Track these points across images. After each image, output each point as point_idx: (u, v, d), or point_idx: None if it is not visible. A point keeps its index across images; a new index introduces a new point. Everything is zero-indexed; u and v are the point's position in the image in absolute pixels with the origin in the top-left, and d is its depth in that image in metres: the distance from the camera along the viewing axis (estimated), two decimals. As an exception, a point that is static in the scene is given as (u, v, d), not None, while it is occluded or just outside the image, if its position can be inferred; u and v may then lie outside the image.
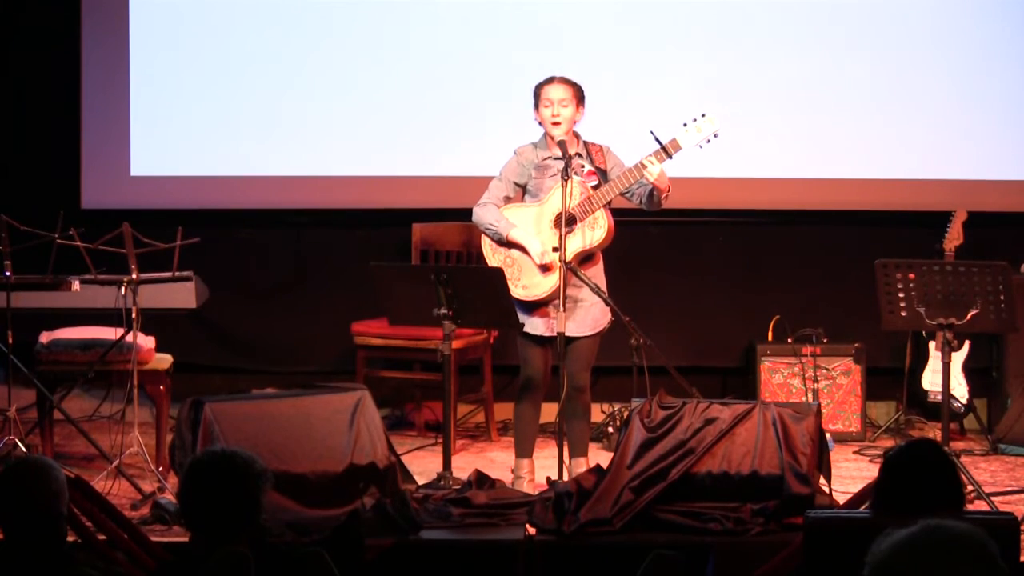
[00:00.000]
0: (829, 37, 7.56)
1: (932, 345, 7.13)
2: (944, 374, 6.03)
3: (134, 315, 6.10)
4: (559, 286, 5.87)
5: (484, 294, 5.90)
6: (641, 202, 6.09)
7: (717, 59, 7.55)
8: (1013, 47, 7.58)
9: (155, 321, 6.58)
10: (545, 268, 5.99)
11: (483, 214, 6.11)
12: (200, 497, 3.59)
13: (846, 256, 7.52)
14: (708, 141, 6.03)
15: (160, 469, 6.21)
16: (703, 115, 6.02)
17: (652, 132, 5.95)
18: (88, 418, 7.33)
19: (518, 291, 6.00)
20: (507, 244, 6.08)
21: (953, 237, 7.05)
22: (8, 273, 6.18)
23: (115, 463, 6.04)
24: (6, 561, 3.58)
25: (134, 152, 7.63)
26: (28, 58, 7.64)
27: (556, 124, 5.99)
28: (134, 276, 6.12)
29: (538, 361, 6.07)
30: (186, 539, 5.14)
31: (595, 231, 5.98)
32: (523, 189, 6.14)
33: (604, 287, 6.05)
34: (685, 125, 6.02)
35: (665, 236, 7.61)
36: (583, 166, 6.01)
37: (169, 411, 6.56)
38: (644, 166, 5.91)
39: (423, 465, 6.47)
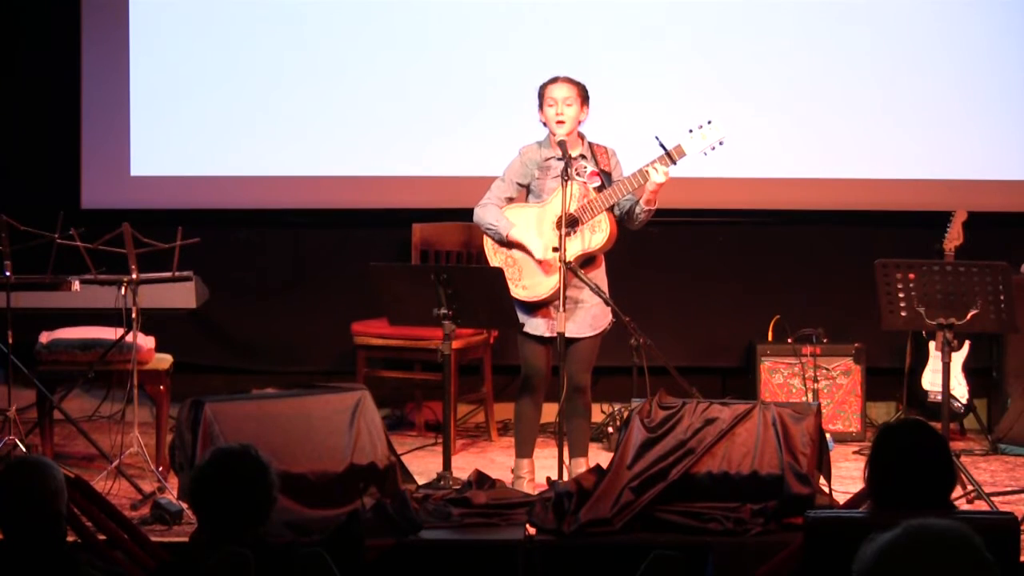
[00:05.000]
0: (829, 37, 7.56)
1: (932, 345, 7.13)
2: (944, 374, 6.03)
3: (134, 315, 6.10)
4: (559, 286, 5.86)
5: (484, 294, 5.90)
6: (623, 215, 6.06)
7: (717, 59, 7.55)
8: (1013, 47, 7.58)
9: (155, 321, 6.58)
10: (547, 266, 5.97)
11: (483, 214, 6.10)
12: (219, 487, 3.59)
13: (846, 256, 7.52)
14: (713, 148, 6.00)
15: (160, 469, 6.20)
16: (709, 122, 6.00)
17: (657, 138, 5.93)
18: (88, 418, 7.34)
19: (519, 291, 6.00)
20: (508, 244, 6.08)
21: (953, 237, 7.05)
22: (8, 273, 6.18)
23: (115, 463, 6.04)
24: (6, 561, 3.58)
25: (134, 152, 7.63)
26: (28, 58, 7.64)
27: (560, 123, 5.97)
28: (134, 276, 6.12)
29: (538, 361, 6.07)
30: (186, 539, 5.16)
31: (596, 234, 5.97)
32: (526, 189, 6.14)
33: (606, 289, 6.05)
34: (691, 131, 5.99)
35: (665, 236, 7.60)
36: (585, 167, 6.00)
37: (169, 411, 6.56)
38: (647, 174, 5.89)
39: (423, 465, 6.47)
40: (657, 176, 5.87)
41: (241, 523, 3.57)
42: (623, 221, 6.09)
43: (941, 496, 3.63)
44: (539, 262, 6.00)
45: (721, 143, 6.00)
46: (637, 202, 5.98)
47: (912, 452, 3.63)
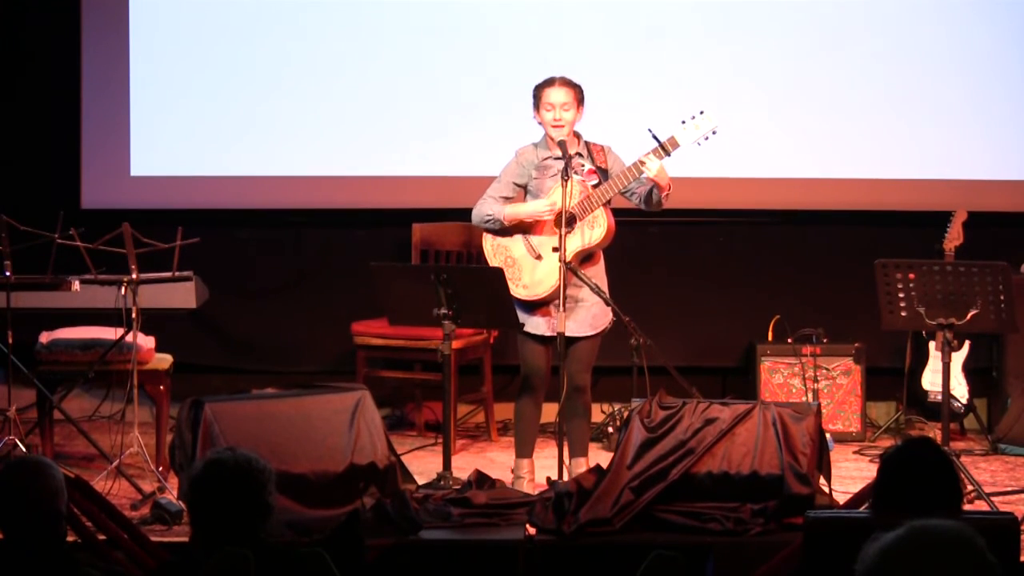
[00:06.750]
0: (829, 37, 7.56)
1: (932, 345, 7.13)
2: (944, 374, 6.03)
3: (134, 315, 6.10)
4: (559, 285, 5.86)
5: (484, 294, 5.90)
6: (641, 202, 6.08)
7: (717, 58, 7.55)
8: (1014, 47, 7.58)
9: (155, 321, 6.58)
10: (551, 249, 5.93)
11: (481, 207, 6.10)
12: (212, 499, 3.57)
13: (846, 256, 7.52)
14: (706, 138, 6.03)
15: (160, 469, 6.21)
16: (701, 112, 6.02)
17: (650, 130, 5.95)
18: (88, 418, 7.34)
19: (519, 291, 6.00)
20: (509, 232, 6.06)
21: (953, 237, 7.05)
22: (8, 273, 6.18)
23: (115, 463, 6.04)
24: (6, 561, 3.58)
25: (134, 152, 7.63)
26: (28, 58, 7.64)
27: (558, 128, 5.98)
28: (134, 276, 6.12)
29: (539, 361, 6.07)
30: (186, 539, 5.16)
31: (594, 230, 5.98)
32: (524, 190, 6.14)
33: (605, 287, 6.05)
34: (683, 122, 6.01)
35: (665, 236, 7.61)
36: (583, 165, 6.01)
37: (169, 411, 6.56)
38: (643, 163, 5.91)
39: (423, 465, 6.47)
40: (652, 164, 5.88)
41: (236, 533, 3.55)
42: (642, 207, 6.07)
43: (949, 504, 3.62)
44: (537, 256, 5.99)
45: (714, 132, 6.01)
46: (651, 189, 5.97)
47: (920, 477, 3.61)
